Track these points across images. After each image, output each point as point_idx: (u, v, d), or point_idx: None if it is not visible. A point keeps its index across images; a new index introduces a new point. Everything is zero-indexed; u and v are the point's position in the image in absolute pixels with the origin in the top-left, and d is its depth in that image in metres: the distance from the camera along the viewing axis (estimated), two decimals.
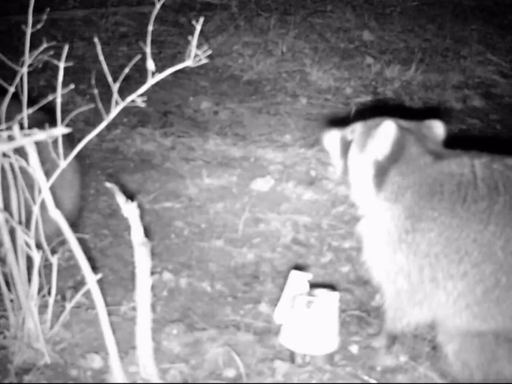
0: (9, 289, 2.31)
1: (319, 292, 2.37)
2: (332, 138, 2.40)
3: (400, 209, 2.20)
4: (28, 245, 2.22)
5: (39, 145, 1.96)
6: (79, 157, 2.18)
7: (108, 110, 2.01)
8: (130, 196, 2.10)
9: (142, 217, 2.06)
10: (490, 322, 2.10)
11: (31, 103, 2.15)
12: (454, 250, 2.11)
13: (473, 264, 2.08)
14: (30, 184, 2.21)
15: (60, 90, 2.05)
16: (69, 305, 2.34)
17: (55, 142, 2.04)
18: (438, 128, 2.31)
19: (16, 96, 2.18)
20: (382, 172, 2.25)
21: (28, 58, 2.13)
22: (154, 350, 2.19)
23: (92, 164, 3.56)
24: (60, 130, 1.87)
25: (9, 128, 1.95)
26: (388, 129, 2.22)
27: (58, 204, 1.99)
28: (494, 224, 2.07)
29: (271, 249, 2.98)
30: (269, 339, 2.43)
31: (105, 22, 5.31)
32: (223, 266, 2.87)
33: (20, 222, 2.30)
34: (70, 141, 2.23)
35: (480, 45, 5.20)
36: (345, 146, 2.35)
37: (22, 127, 1.98)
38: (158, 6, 2.05)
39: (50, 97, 2.07)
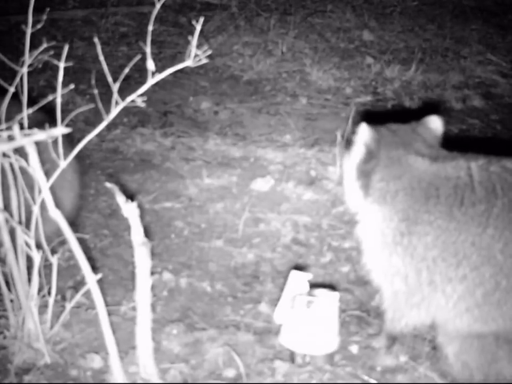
0: (9, 289, 2.31)
1: (319, 291, 2.37)
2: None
3: (392, 211, 2.19)
4: (28, 245, 2.22)
5: (39, 146, 1.96)
6: (78, 157, 2.18)
7: (108, 110, 2.01)
8: (130, 196, 2.10)
9: (142, 217, 2.06)
10: (491, 324, 2.10)
11: (31, 103, 2.15)
12: (452, 253, 2.10)
13: (472, 268, 2.08)
14: (30, 184, 2.21)
15: (59, 90, 2.05)
16: (69, 305, 2.34)
17: (54, 142, 2.04)
18: (434, 123, 2.30)
19: (16, 96, 2.18)
20: (364, 174, 2.24)
21: (27, 58, 2.13)
22: (154, 350, 2.19)
23: (92, 163, 3.56)
24: (60, 130, 1.87)
25: (9, 128, 1.95)
26: (361, 132, 2.22)
27: (57, 204, 1.99)
28: (493, 227, 2.07)
29: (271, 249, 2.98)
30: (269, 339, 2.43)
31: (105, 22, 5.31)
32: (223, 266, 2.87)
33: (20, 222, 2.30)
34: (69, 141, 2.23)
35: (480, 45, 5.20)
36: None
37: (22, 127, 1.98)
38: (158, 6, 2.05)
39: (50, 97, 2.07)
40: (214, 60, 4.73)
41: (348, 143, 2.45)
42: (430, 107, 4.28)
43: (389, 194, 2.20)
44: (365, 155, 2.23)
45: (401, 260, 2.18)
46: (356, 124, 3.72)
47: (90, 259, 2.23)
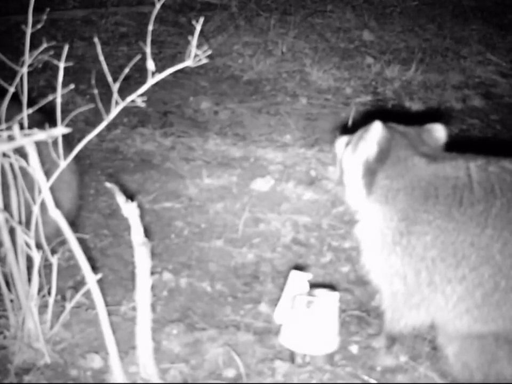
0: (9, 289, 2.31)
1: (319, 291, 2.37)
2: (340, 143, 2.39)
3: (392, 211, 2.19)
4: (28, 245, 2.22)
5: (39, 146, 1.96)
6: (77, 157, 2.18)
7: (108, 110, 2.01)
8: (130, 196, 2.10)
9: (142, 217, 2.06)
10: (490, 325, 2.10)
11: (31, 103, 2.14)
12: (451, 254, 2.10)
13: (471, 268, 2.08)
14: (30, 184, 2.21)
15: (59, 90, 2.05)
16: (69, 305, 2.34)
17: (54, 142, 2.04)
18: (438, 132, 2.30)
19: (16, 96, 2.18)
20: (370, 173, 2.24)
21: (27, 58, 2.13)
22: (154, 350, 2.19)
23: (92, 163, 3.57)
24: (60, 130, 1.87)
25: (9, 128, 1.95)
26: (374, 129, 2.22)
27: (56, 205, 1.99)
28: (492, 228, 2.06)
29: (271, 249, 2.98)
30: (269, 339, 2.43)
31: (105, 22, 5.31)
32: (223, 266, 2.87)
33: (20, 222, 2.30)
34: (67, 141, 2.23)
35: (480, 45, 5.20)
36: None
37: (22, 127, 1.98)
38: (158, 6, 2.05)
39: (50, 97, 2.07)
40: (214, 60, 4.73)
41: (346, 132, 2.44)
42: (430, 107, 4.28)
43: (391, 193, 2.20)
44: (376, 154, 2.22)
45: (400, 260, 2.18)
46: (355, 123, 3.74)
47: (90, 259, 2.23)
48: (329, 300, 2.33)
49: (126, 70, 2.04)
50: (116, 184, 2.04)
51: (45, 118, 2.24)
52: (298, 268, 2.64)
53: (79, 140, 2.04)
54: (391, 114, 4.18)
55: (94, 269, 2.05)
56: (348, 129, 3.72)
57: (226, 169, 3.55)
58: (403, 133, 2.27)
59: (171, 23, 5.39)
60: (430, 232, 2.12)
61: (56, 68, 2.04)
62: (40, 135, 1.85)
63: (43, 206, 2.02)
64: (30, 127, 2.00)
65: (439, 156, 2.22)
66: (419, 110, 4.26)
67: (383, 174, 2.22)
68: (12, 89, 2.15)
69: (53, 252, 2.29)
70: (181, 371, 2.27)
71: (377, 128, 2.21)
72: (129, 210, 2.01)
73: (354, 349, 2.41)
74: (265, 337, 2.44)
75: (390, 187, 2.21)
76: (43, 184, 1.97)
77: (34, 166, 1.94)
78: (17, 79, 2.13)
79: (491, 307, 2.08)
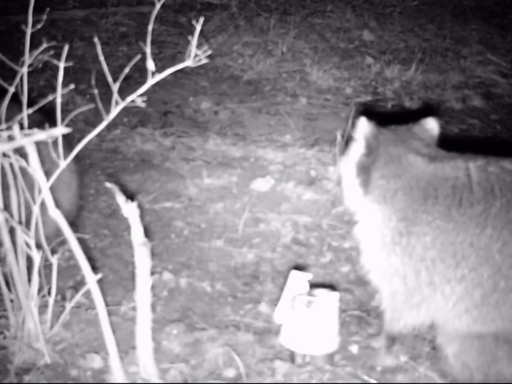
0: (9, 289, 2.31)
1: (319, 291, 2.37)
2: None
3: (391, 211, 2.19)
4: (28, 245, 2.22)
5: (39, 146, 1.96)
6: (77, 157, 2.18)
7: (108, 110, 2.01)
8: (130, 196, 2.10)
9: (142, 217, 2.06)
10: (490, 325, 2.10)
11: (31, 103, 2.14)
12: (451, 254, 2.10)
13: (470, 268, 2.08)
14: (30, 186, 2.21)
15: (59, 90, 2.05)
16: (69, 305, 2.34)
17: (54, 142, 2.04)
18: (430, 124, 2.30)
19: (16, 96, 2.18)
20: (364, 170, 2.24)
21: (27, 58, 2.13)
22: (154, 350, 2.19)
23: (92, 163, 3.57)
24: (60, 130, 1.87)
25: (9, 128, 1.95)
26: (360, 125, 2.22)
27: (56, 206, 1.99)
28: (491, 228, 2.06)
29: (271, 249, 2.98)
30: (269, 339, 2.43)
31: (105, 22, 5.32)
32: (223, 266, 2.87)
33: (20, 222, 2.30)
34: (67, 141, 2.23)
35: (480, 45, 5.20)
36: None
37: (22, 127, 1.98)
38: (158, 6, 2.05)
39: (50, 97, 2.07)
40: (214, 60, 4.73)
41: (347, 143, 2.46)
42: (430, 107, 4.28)
43: (388, 193, 2.20)
44: (365, 149, 2.23)
45: (400, 260, 2.18)
46: (356, 124, 3.74)
47: (90, 259, 2.23)
48: (329, 300, 2.33)
49: (126, 70, 2.04)
50: (116, 184, 2.04)
51: (45, 118, 2.24)
52: (298, 268, 2.64)
53: (79, 140, 2.05)
54: (391, 114, 4.18)
55: (94, 269, 2.05)
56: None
57: (226, 169, 3.55)
58: (392, 129, 2.28)
59: (171, 23, 5.39)
60: (429, 232, 2.12)
61: (56, 68, 2.05)
62: (40, 135, 1.85)
63: (43, 206, 2.02)
64: (30, 127, 2.00)
65: (438, 155, 2.22)
66: (419, 110, 4.26)
67: (378, 173, 2.22)
68: (12, 89, 2.15)
69: (53, 252, 2.29)
70: (181, 371, 2.27)
71: (362, 124, 2.22)
72: (129, 210, 2.01)
73: (354, 349, 2.41)
74: (265, 337, 2.44)
75: (387, 187, 2.21)
76: (43, 184, 1.97)
77: (34, 166, 1.94)
78: (17, 79, 2.13)
79: (490, 307, 2.08)
